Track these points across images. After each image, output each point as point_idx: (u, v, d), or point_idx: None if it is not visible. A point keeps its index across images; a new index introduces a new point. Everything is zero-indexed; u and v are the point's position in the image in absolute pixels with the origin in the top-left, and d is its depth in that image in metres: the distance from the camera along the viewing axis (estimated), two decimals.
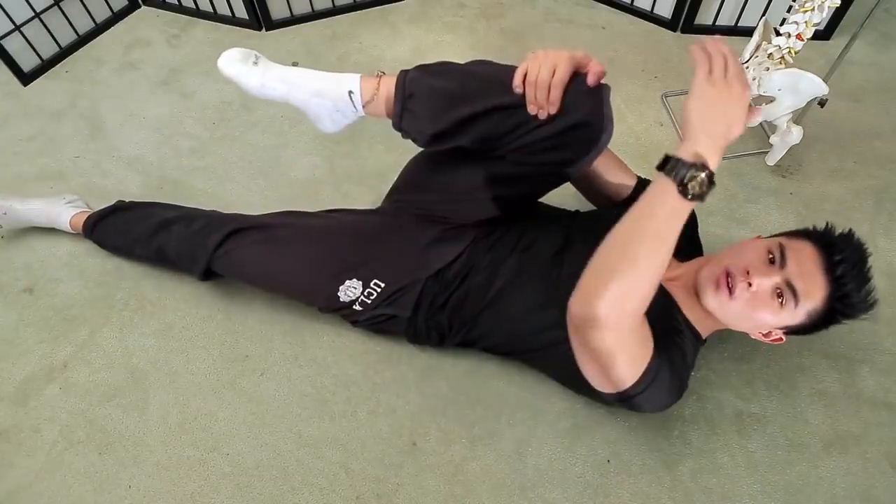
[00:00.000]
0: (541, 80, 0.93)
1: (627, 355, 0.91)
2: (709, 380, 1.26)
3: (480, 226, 1.19)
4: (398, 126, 1.05)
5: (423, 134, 1.05)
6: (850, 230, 1.00)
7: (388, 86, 1.03)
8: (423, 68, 1.04)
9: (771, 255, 0.99)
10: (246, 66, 1.02)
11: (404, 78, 1.02)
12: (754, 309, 0.99)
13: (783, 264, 0.98)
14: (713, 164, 0.83)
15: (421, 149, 1.18)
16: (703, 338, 1.09)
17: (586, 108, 0.95)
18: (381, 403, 1.26)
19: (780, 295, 0.97)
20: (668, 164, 0.83)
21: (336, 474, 1.17)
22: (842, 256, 0.96)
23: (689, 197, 0.82)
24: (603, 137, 0.98)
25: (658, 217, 0.85)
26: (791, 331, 1.03)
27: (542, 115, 0.95)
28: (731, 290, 0.99)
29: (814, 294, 0.97)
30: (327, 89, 1.05)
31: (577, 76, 0.95)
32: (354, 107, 1.06)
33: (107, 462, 1.20)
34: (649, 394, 0.95)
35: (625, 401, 0.97)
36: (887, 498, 1.13)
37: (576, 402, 1.23)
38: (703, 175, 0.82)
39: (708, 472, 1.16)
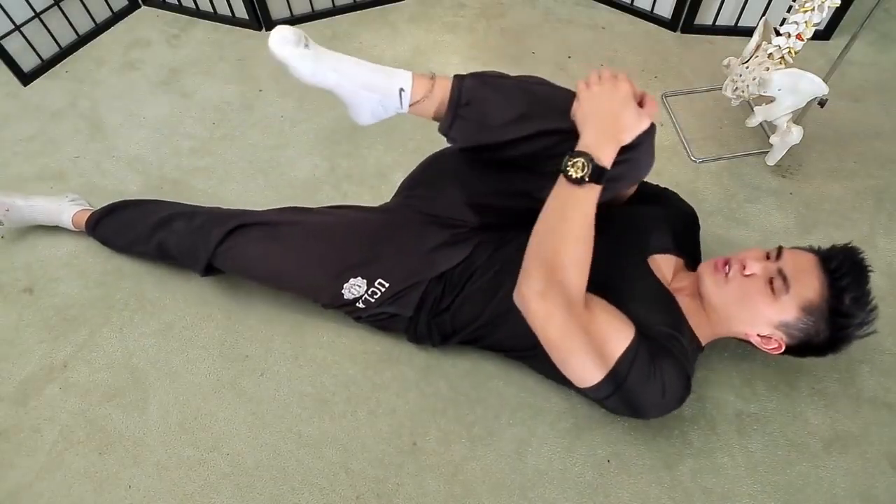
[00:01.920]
0: (609, 77, 0.96)
1: (591, 341, 0.95)
2: (709, 380, 1.26)
3: (487, 230, 1.19)
4: (446, 132, 1.04)
5: (468, 141, 1.05)
6: (848, 242, 1.05)
7: (443, 89, 1.02)
8: (480, 78, 1.02)
9: (769, 254, 1.05)
10: (298, 49, 0.96)
11: (460, 84, 1.01)
12: (747, 294, 1.03)
13: (778, 258, 1.04)
14: (602, 155, 0.92)
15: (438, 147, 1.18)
16: (703, 345, 1.11)
17: (636, 142, 0.96)
18: (381, 403, 1.26)
19: (773, 285, 1.01)
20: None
21: (336, 474, 1.18)
22: (839, 254, 1.01)
23: (570, 179, 0.93)
24: (645, 172, 1.02)
25: (556, 204, 0.96)
26: (793, 343, 1.05)
27: None
28: (725, 274, 1.05)
29: (806, 281, 1.00)
30: (378, 84, 1.02)
31: None
32: (400, 104, 1.03)
33: (107, 462, 1.20)
34: (636, 377, 0.96)
35: (618, 386, 0.97)
36: (887, 498, 1.13)
37: (576, 402, 1.23)
38: (580, 160, 0.92)
39: (708, 472, 1.16)
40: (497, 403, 1.25)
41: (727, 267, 1.05)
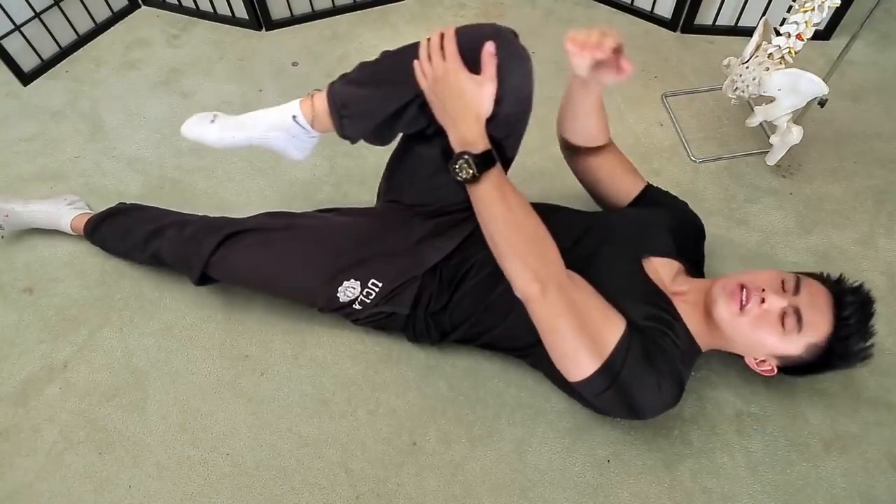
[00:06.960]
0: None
1: (586, 318, 0.97)
2: (709, 380, 1.26)
3: (471, 213, 1.19)
4: (342, 134, 1.09)
5: (364, 132, 1.10)
6: (861, 284, 1.05)
7: (322, 101, 1.07)
8: (344, 76, 1.08)
9: (785, 283, 1.03)
10: (203, 125, 1.10)
11: (332, 90, 1.07)
12: (759, 327, 1.03)
13: (796, 292, 1.02)
14: (474, 143, 0.94)
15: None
16: (702, 351, 1.12)
17: (506, 75, 0.98)
18: (381, 403, 1.26)
19: (784, 320, 1.01)
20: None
21: (336, 474, 1.18)
22: (853, 299, 1.02)
23: (467, 182, 0.96)
24: (528, 91, 1.02)
25: (478, 207, 0.99)
26: (785, 366, 1.07)
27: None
28: (742, 304, 1.03)
29: (818, 328, 1.01)
30: (277, 121, 1.10)
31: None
32: (305, 129, 1.10)
33: (107, 462, 1.20)
34: (631, 370, 0.97)
35: (613, 380, 0.98)
36: (887, 498, 1.13)
37: (576, 402, 1.23)
38: (460, 161, 0.94)
39: (708, 472, 1.16)
40: (497, 403, 1.25)
41: (745, 296, 1.03)
